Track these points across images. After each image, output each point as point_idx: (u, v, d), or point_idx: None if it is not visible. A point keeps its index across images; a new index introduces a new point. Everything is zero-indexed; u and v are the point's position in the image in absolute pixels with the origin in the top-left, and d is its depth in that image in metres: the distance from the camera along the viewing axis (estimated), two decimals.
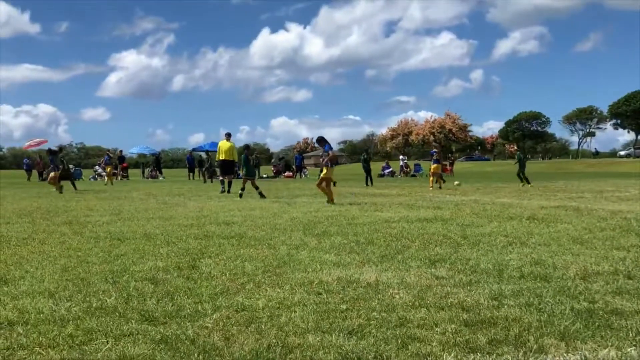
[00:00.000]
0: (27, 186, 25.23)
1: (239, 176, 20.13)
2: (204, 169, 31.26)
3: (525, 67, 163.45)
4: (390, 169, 39.95)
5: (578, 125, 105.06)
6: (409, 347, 3.13)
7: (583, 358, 2.98)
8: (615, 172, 42.69)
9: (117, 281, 4.75)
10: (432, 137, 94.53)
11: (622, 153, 78.67)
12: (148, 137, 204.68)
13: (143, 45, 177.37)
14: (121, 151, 38.50)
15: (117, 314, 3.79)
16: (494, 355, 3.03)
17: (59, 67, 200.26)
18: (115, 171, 34.53)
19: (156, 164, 37.53)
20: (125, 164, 36.89)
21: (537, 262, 5.45)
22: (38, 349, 3.16)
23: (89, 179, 34.11)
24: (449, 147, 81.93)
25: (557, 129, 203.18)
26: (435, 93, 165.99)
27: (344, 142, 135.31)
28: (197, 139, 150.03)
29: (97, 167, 36.82)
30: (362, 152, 38.67)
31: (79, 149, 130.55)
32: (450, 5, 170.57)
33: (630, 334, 3.30)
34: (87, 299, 4.18)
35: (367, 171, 24.21)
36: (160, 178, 34.80)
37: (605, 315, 3.67)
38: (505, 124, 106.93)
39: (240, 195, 15.07)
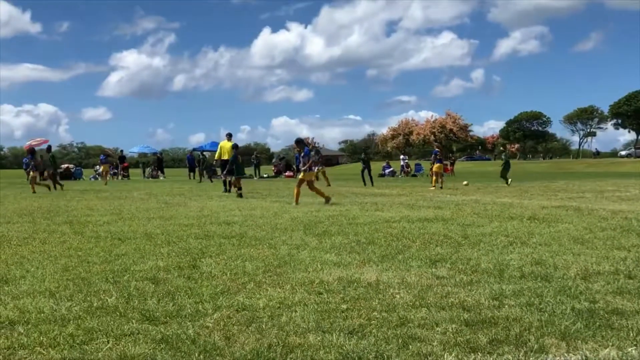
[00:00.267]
0: (27, 186, 25.19)
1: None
2: (199, 169, 31.25)
3: (526, 67, 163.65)
4: (391, 169, 39.92)
5: (579, 125, 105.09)
6: (410, 346, 3.13)
7: (584, 358, 2.98)
8: (616, 172, 42.64)
9: (117, 281, 4.76)
10: (432, 137, 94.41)
11: (623, 153, 78.55)
12: (149, 136, 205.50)
13: (144, 45, 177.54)
14: (122, 151, 38.61)
15: (118, 313, 3.79)
16: (495, 355, 3.03)
17: (59, 66, 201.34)
18: (116, 171, 34.61)
19: (158, 163, 37.55)
20: (126, 164, 36.95)
21: (538, 262, 5.45)
22: (39, 348, 3.16)
23: (89, 179, 34.15)
24: (449, 147, 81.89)
25: (558, 129, 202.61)
26: (436, 93, 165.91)
27: (345, 141, 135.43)
28: (197, 139, 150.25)
29: (97, 166, 36.86)
30: (361, 151, 38.49)
31: (79, 149, 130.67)
32: (451, 5, 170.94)
33: (631, 334, 3.30)
34: (88, 298, 4.18)
35: (367, 171, 23.30)
36: (161, 178, 34.80)
37: (606, 315, 3.67)
38: (506, 123, 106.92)
39: (240, 195, 15.08)
